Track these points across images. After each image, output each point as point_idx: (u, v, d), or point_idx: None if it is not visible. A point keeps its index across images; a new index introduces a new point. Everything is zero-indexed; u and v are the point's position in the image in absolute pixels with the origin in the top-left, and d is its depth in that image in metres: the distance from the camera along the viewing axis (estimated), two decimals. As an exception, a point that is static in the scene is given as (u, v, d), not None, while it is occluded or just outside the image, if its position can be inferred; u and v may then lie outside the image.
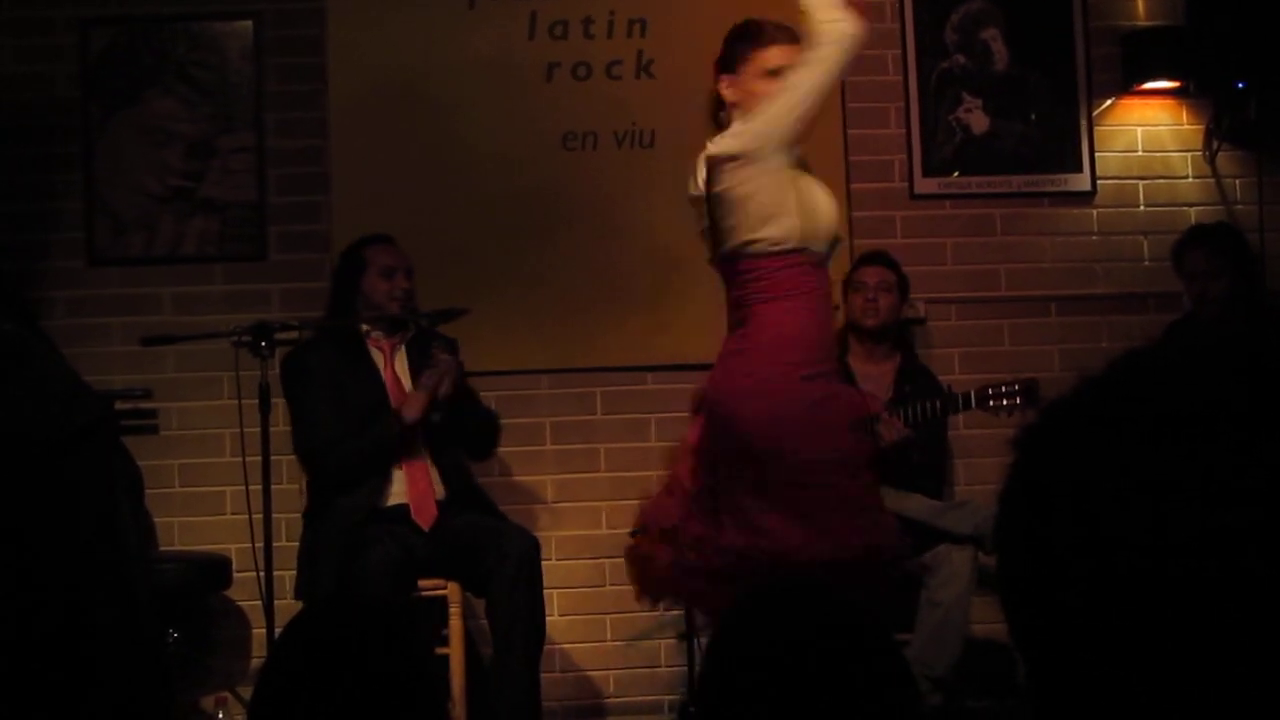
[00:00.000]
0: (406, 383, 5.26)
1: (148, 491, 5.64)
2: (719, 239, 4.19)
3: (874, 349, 5.63)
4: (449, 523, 5.10)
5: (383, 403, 5.19)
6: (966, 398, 5.26)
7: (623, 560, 4.47)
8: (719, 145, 4.16)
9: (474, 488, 5.37)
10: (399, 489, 5.12)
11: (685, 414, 5.47)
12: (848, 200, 6.08)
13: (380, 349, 5.31)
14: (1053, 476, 0.97)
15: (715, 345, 4.28)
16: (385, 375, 5.26)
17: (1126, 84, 6.27)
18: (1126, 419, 0.94)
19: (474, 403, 5.37)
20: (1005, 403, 5.20)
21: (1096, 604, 0.92)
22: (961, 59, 6.26)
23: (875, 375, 5.53)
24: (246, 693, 5.47)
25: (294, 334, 5.19)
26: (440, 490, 5.17)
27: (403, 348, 5.34)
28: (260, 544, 4.73)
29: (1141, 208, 6.30)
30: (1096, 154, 6.27)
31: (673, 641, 5.84)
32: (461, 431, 5.29)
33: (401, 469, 5.14)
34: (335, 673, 2.11)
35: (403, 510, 5.10)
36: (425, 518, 5.09)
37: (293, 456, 5.25)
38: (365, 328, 5.30)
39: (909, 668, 2.19)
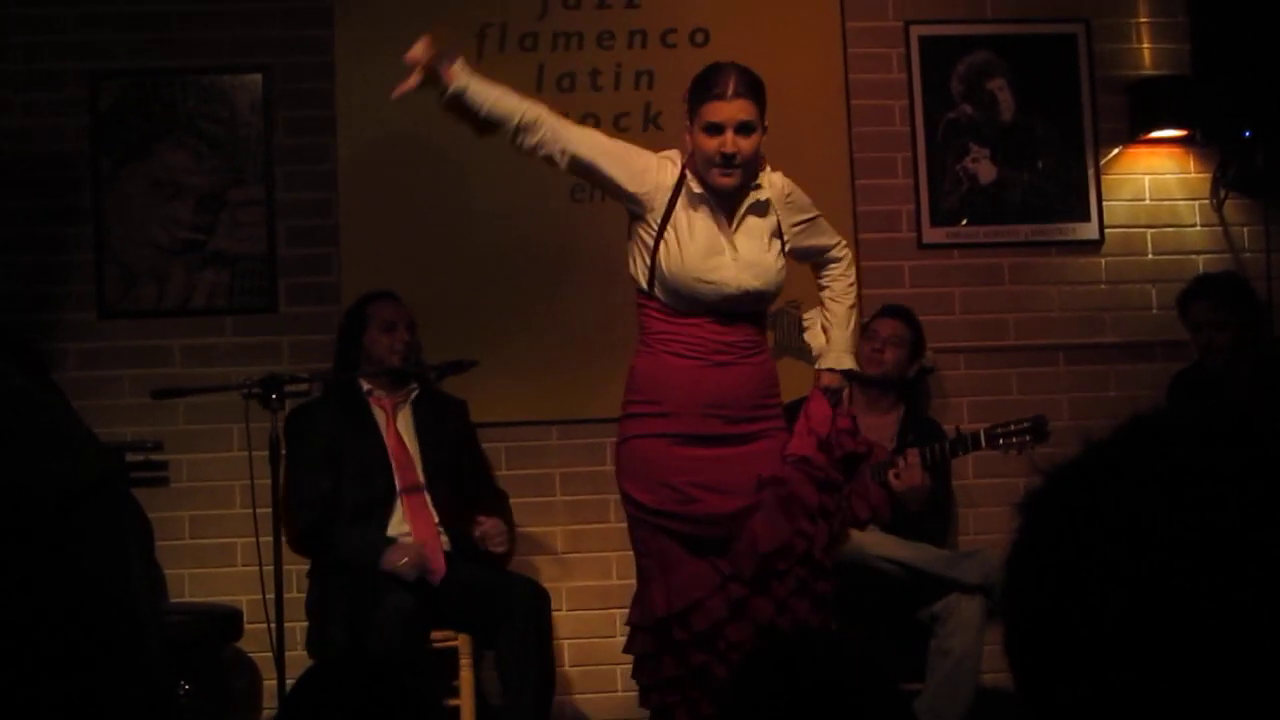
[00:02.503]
0: (410, 442, 5.26)
1: (158, 543, 5.65)
2: None
3: (878, 399, 5.61)
4: (458, 575, 5.09)
5: (382, 463, 5.19)
6: (975, 438, 5.23)
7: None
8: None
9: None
10: (406, 541, 5.12)
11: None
12: (856, 250, 6.09)
13: (382, 407, 5.31)
14: (1057, 540, 0.97)
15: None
16: (387, 436, 5.26)
17: (1133, 133, 6.29)
18: (1130, 483, 0.95)
19: (488, 477, 5.42)
20: (1015, 440, 5.18)
21: (1102, 665, 0.92)
22: (968, 109, 6.28)
23: (878, 425, 5.51)
24: (256, 745, 5.47)
25: (304, 386, 5.20)
26: (446, 543, 5.17)
27: (407, 405, 5.34)
28: (271, 595, 4.73)
29: (1149, 256, 6.30)
30: (1104, 202, 6.28)
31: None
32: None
33: (408, 522, 5.14)
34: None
35: (411, 563, 5.10)
36: (434, 570, 5.08)
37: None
38: (367, 387, 5.31)
39: (916, 719, 2.18)
